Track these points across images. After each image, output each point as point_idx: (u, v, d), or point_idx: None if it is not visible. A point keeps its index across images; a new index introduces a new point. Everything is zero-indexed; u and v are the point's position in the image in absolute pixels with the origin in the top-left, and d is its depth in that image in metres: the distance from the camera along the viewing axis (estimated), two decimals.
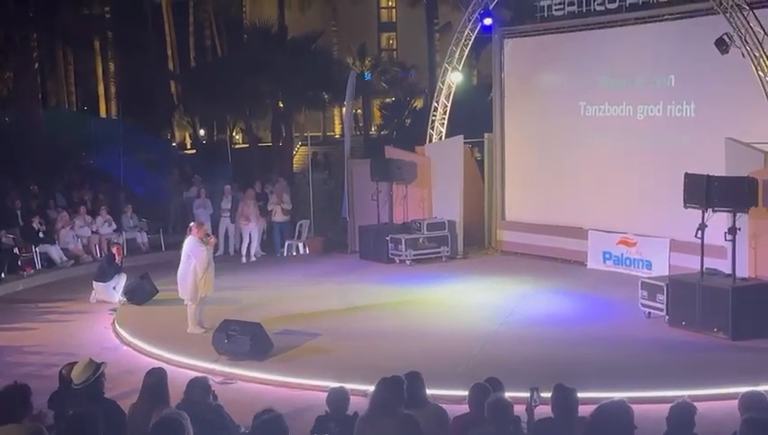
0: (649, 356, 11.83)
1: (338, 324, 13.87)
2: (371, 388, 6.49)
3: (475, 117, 22.84)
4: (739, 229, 12.67)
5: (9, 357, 12.86)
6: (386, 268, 18.64)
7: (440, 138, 20.33)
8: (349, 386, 7.40)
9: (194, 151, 39.53)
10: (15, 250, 18.68)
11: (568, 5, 18.42)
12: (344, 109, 26.84)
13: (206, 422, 6.63)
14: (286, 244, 20.95)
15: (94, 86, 41.55)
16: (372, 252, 19.48)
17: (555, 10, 18.68)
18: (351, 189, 21.14)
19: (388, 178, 19.62)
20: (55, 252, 19.30)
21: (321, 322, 13.96)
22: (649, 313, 13.49)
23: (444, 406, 7.20)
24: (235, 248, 20.83)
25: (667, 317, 13.14)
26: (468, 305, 15.14)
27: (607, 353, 11.96)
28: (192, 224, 14.10)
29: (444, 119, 20.35)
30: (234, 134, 38.96)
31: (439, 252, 19.07)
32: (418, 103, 39.65)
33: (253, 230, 20.30)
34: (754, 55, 14.21)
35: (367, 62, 45.62)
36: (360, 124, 42.27)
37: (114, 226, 20.75)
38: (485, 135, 20.66)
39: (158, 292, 15.91)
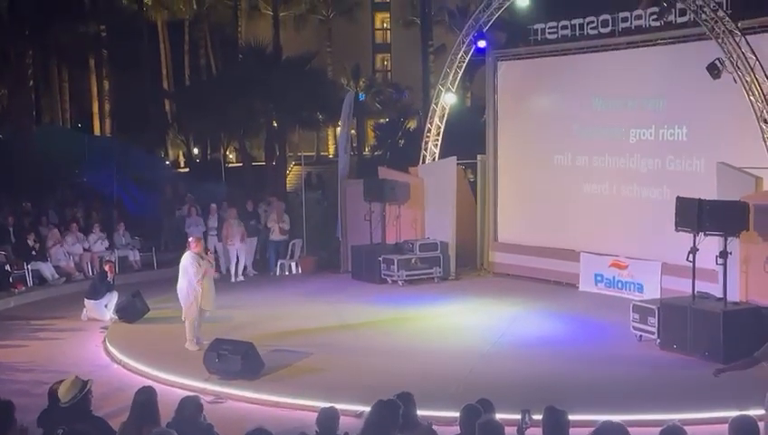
0: (640, 379, 11.81)
1: (329, 344, 13.83)
2: (362, 408, 6.48)
3: (468, 138, 22.93)
4: (730, 253, 12.71)
5: None
6: (378, 289, 18.62)
7: (433, 159, 20.37)
8: (339, 406, 7.34)
9: (187, 170, 39.54)
10: (7, 267, 18.64)
11: (561, 29, 18.54)
12: (338, 129, 26.85)
13: None
14: (278, 263, 20.95)
15: (88, 104, 41.65)
16: (365, 272, 19.47)
17: (549, 33, 18.79)
18: (344, 209, 21.17)
19: (381, 199, 19.64)
20: (47, 269, 19.26)
21: (313, 341, 13.92)
22: (641, 336, 13.49)
23: (435, 427, 7.19)
24: (226, 267, 20.80)
25: (658, 340, 13.15)
26: (460, 326, 15.13)
27: (598, 376, 11.96)
28: (191, 239, 14.11)
29: (437, 140, 20.42)
30: (227, 153, 38.95)
31: (431, 273, 19.07)
32: (412, 124, 39.68)
33: (239, 250, 20.21)
34: (746, 80, 14.30)
35: (361, 82, 45.81)
36: (354, 144, 42.31)
37: (107, 243, 20.74)
38: (478, 156, 20.74)
39: (149, 310, 15.88)
